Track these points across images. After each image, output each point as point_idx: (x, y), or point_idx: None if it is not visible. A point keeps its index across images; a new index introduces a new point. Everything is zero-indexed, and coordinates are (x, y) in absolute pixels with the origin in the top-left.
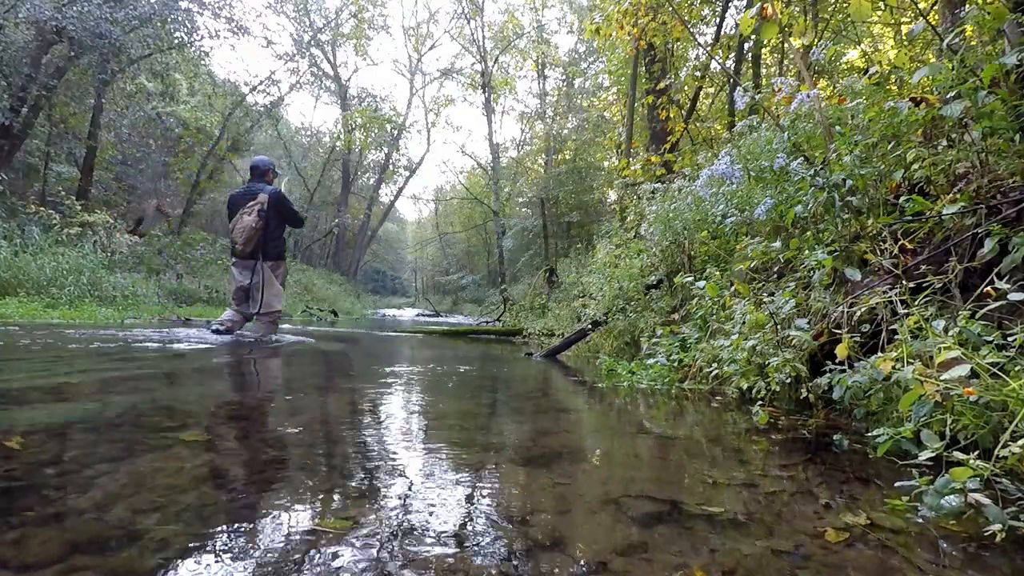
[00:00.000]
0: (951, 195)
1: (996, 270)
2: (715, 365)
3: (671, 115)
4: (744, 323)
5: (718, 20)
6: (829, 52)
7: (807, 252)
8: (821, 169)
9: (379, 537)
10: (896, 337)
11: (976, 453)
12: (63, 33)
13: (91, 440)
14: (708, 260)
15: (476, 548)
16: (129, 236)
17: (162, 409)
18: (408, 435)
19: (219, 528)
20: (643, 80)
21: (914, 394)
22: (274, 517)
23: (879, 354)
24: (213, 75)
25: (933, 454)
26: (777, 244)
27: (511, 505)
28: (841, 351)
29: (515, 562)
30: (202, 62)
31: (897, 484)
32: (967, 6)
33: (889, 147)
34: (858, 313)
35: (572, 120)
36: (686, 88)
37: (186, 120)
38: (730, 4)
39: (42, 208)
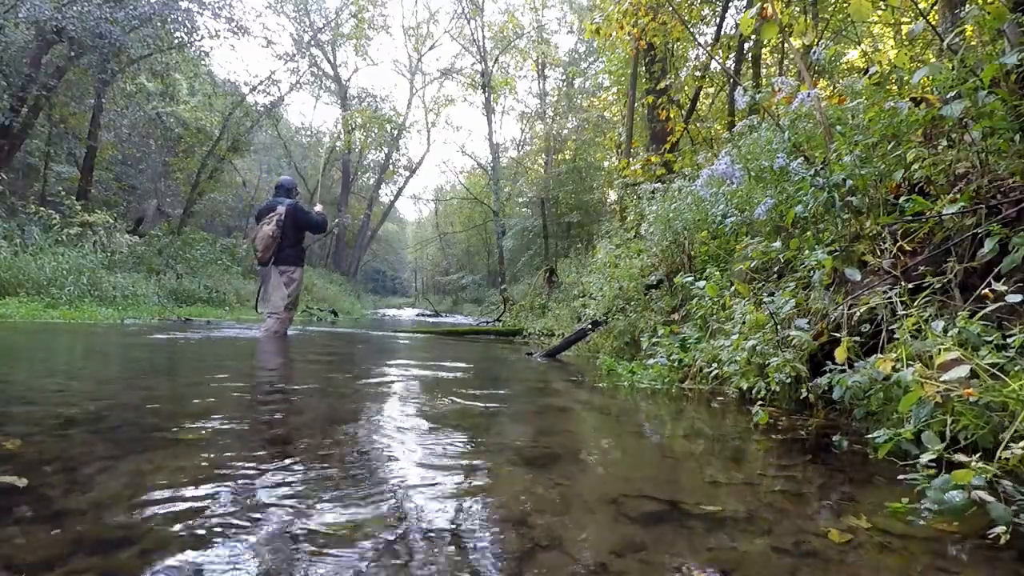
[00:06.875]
0: (951, 195)
1: (996, 270)
2: (715, 365)
3: (671, 115)
4: (744, 323)
5: (718, 20)
6: (829, 52)
7: (807, 252)
8: (821, 169)
9: (380, 536)
10: (896, 337)
11: (977, 455)
12: (63, 33)
13: None
14: (708, 260)
15: (475, 547)
16: (129, 236)
17: None
18: (408, 435)
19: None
20: (643, 80)
21: (914, 395)
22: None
23: (879, 354)
24: (213, 75)
25: (934, 455)
26: (777, 244)
27: (510, 504)
28: (840, 352)
29: (514, 561)
30: (202, 62)
31: (900, 477)
32: (967, 6)
33: (889, 147)
34: (858, 313)
35: (572, 120)
36: (686, 88)
37: (186, 120)
38: (730, 4)
39: (42, 208)
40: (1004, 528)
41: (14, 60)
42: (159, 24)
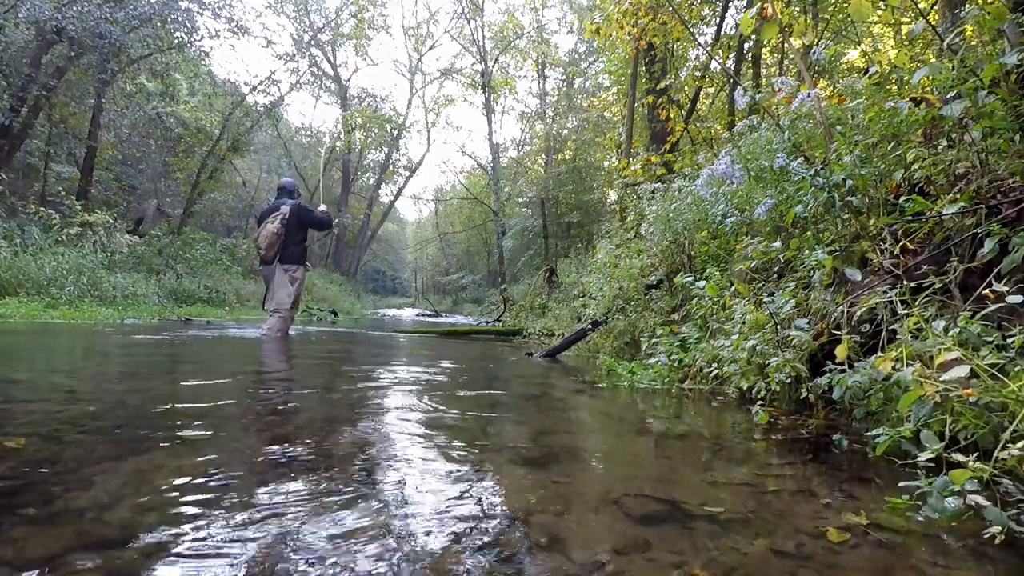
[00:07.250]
0: (951, 195)
1: (996, 270)
2: (715, 365)
3: (671, 115)
4: (744, 323)
5: (718, 20)
6: (829, 52)
7: (807, 252)
8: (821, 169)
9: (381, 536)
10: (896, 337)
11: (976, 455)
12: (63, 33)
13: None
14: (708, 260)
15: (475, 546)
16: (129, 236)
17: None
18: (409, 434)
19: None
20: (643, 80)
21: (914, 394)
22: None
23: (879, 354)
24: (213, 75)
25: (933, 455)
26: (777, 244)
27: (511, 503)
28: (841, 351)
29: (514, 560)
30: (202, 62)
31: (901, 484)
32: (967, 6)
33: (889, 147)
34: (858, 313)
35: (572, 120)
36: (686, 88)
37: (186, 120)
38: (730, 4)
39: (42, 208)
40: (999, 528)
41: (14, 60)
42: (159, 24)
